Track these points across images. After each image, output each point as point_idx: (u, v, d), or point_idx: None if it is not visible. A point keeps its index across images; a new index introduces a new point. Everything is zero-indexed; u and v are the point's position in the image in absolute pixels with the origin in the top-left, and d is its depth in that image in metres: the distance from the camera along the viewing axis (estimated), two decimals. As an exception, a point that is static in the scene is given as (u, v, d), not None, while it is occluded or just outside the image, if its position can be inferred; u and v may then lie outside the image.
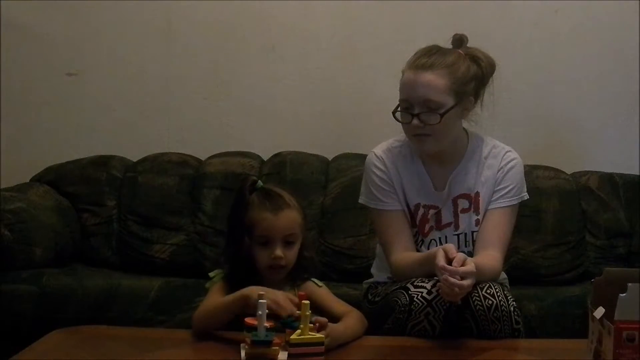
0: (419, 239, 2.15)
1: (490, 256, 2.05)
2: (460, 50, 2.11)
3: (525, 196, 2.18)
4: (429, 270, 1.92)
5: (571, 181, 2.93)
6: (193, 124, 3.17)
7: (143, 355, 1.76)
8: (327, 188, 2.89)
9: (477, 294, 1.91)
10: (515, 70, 2.96)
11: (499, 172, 2.14)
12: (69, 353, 1.76)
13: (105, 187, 2.92)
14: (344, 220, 2.82)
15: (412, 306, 1.89)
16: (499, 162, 2.15)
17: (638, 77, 3.08)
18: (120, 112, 3.16)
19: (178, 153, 3.04)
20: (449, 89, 2.04)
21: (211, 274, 2.00)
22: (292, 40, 3.15)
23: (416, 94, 2.04)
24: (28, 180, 2.96)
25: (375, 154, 2.18)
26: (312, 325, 1.72)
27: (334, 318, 1.90)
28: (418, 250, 2.14)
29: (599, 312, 1.55)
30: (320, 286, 2.01)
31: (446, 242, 2.12)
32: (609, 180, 2.95)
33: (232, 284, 1.92)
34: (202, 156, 3.03)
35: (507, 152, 2.17)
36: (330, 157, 3.02)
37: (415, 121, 2.04)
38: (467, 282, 1.81)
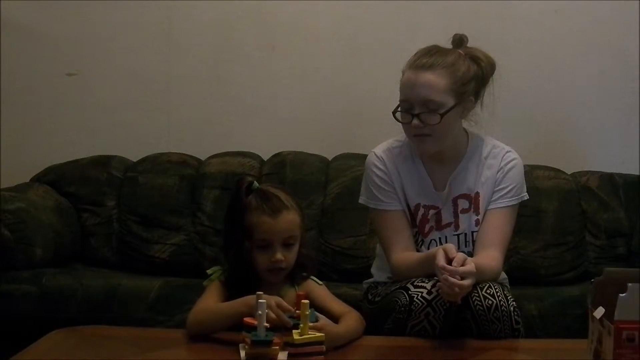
0: (419, 239, 2.15)
1: (490, 256, 2.05)
2: (460, 50, 2.11)
3: (525, 196, 2.18)
4: (429, 270, 1.91)
5: (571, 181, 2.93)
6: (193, 124, 3.17)
7: (143, 355, 1.76)
8: (327, 188, 2.89)
9: (477, 294, 1.91)
10: (515, 70, 2.96)
11: (499, 172, 2.14)
12: (69, 353, 1.76)
13: (105, 187, 2.92)
14: (344, 220, 2.82)
15: (412, 306, 1.89)
16: (499, 162, 2.15)
17: (638, 77, 3.08)
18: (120, 112, 3.16)
19: (178, 153, 3.04)
20: (449, 89, 2.04)
21: (209, 271, 2.00)
22: (292, 40, 3.15)
23: (416, 94, 2.04)
24: (28, 180, 2.96)
25: (375, 154, 2.18)
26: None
27: (332, 317, 1.91)
28: (418, 251, 2.14)
29: (599, 312, 1.55)
30: (319, 284, 2.01)
31: (446, 243, 2.12)
32: (609, 180, 2.95)
33: (231, 285, 1.91)
34: (202, 156, 3.03)
35: (507, 152, 2.17)
36: (330, 157, 3.02)
37: (415, 121, 2.04)
38: (467, 282, 1.81)
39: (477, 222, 2.14)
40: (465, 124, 2.17)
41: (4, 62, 3.11)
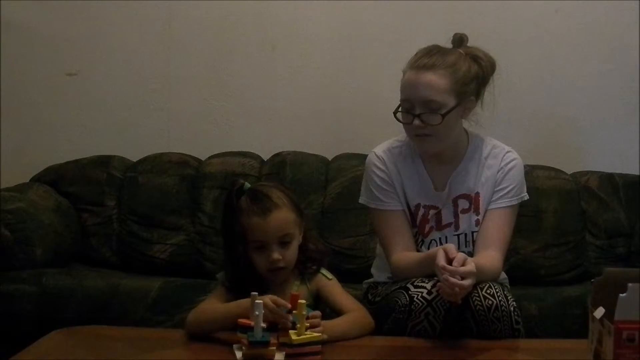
0: (419, 239, 2.15)
1: (490, 256, 2.05)
2: (460, 50, 2.11)
3: (525, 196, 2.18)
4: (428, 270, 1.91)
5: (571, 181, 2.93)
6: (193, 124, 3.17)
7: (143, 355, 1.76)
8: (327, 188, 2.89)
9: (477, 294, 1.91)
10: (515, 70, 2.96)
11: (499, 172, 2.14)
12: (69, 353, 1.76)
13: (105, 187, 2.92)
14: (344, 220, 2.82)
15: (412, 306, 1.89)
16: (499, 162, 2.15)
17: (638, 77, 3.08)
18: (120, 112, 3.16)
19: (178, 153, 3.04)
20: (450, 89, 2.03)
21: (218, 275, 2.00)
22: (292, 40, 3.15)
23: (417, 94, 2.03)
24: (28, 180, 2.97)
25: (375, 154, 2.18)
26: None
27: (341, 312, 1.90)
28: (418, 251, 2.13)
29: (599, 312, 1.55)
30: (330, 279, 2.00)
31: (446, 243, 2.12)
32: (609, 180, 2.95)
33: (236, 289, 1.91)
34: (202, 156, 3.03)
35: (507, 152, 2.17)
36: (330, 157, 3.02)
37: (416, 122, 2.04)
38: (467, 282, 1.81)
39: (477, 222, 2.13)
40: (465, 124, 2.17)
41: (4, 62, 3.11)
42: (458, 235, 2.14)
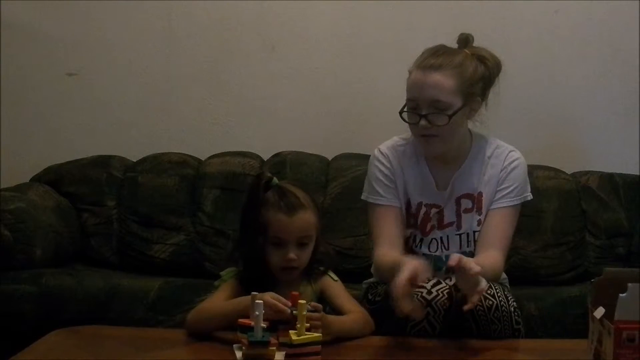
0: (417, 239, 2.15)
1: (491, 256, 2.04)
2: (466, 50, 2.10)
3: (529, 196, 2.17)
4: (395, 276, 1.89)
5: (571, 181, 2.93)
6: (193, 124, 3.17)
7: (143, 355, 1.76)
8: (327, 188, 2.89)
9: (477, 295, 1.92)
10: (516, 70, 2.95)
11: (502, 172, 2.14)
12: (69, 353, 1.76)
13: (105, 187, 2.93)
14: (344, 220, 2.82)
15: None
16: (502, 162, 2.15)
17: (638, 77, 3.08)
18: (120, 112, 3.16)
19: (178, 153, 3.04)
20: (457, 89, 2.03)
21: (222, 273, 1.99)
22: (292, 40, 3.15)
23: (424, 94, 2.03)
24: (28, 180, 2.97)
25: (380, 150, 2.19)
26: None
27: (342, 313, 1.91)
28: (416, 251, 2.13)
29: (599, 312, 1.55)
30: (335, 280, 2.00)
31: (448, 242, 2.13)
32: (609, 180, 2.96)
33: (245, 282, 1.91)
34: (202, 156, 3.03)
35: (510, 152, 2.17)
36: (330, 157, 3.02)
37: (422, 122, 2.04)
38: (482, 285, 1.80)
39: (480, 222, 2.13)
40: (469, 124, 2.17)
41: (4, 62, 3.11)
42: (460, 234, 2.14)
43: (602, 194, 2.92)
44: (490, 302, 1.90)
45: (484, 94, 2.11)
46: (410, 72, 2.09)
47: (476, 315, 1.91)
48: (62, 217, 2.79)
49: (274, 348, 1.67)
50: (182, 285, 2.53)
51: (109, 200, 2.92)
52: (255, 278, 1.89)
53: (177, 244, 2.85)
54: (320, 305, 1.78)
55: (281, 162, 2.94)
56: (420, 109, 2.04)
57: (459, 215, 2.14)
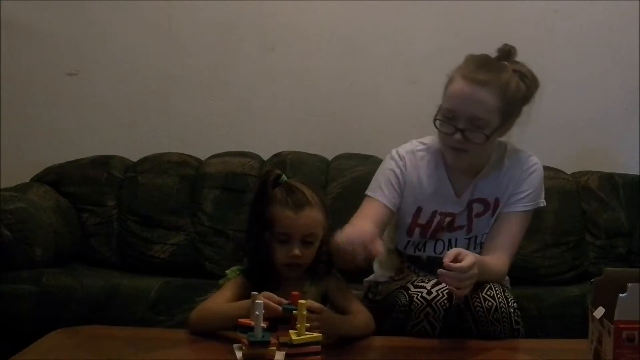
0: (421, 243, 2.13)
1: (496, 258, 2.04)
2: (509, 65, 2.03)
3: (542, 203, 2.15)
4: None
5: (571, 181, 2.94)
6: (193, 124, 3.17)
7: (143, 355, 1.76)
8: (327, 188, 2.89)
9: (477, 296, 1.91)
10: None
11: (520, 177, 2.11)
12: (69, 353, 1.76)
13: (105, 187, 2.93)
14: (344, 221, 2.78)
15: (412, 306, 1.89)
16: (521, 167, 2.11)
17: (638, 77, 3.08)
18: (120, 112, 3.16)
19: (178, 153, 3.04)
20: (498, 109, 1.98)
21: (227, 271, 1.99)
22: (292, 40, 3.15)
23: (466, 109, 1.97)
24: (28, 180, 2.96)
25: (398, 153, 2.14)
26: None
27: (345, 313, 1.90)
28: (421, 252, 2.12)
29: (599, 312, 1.55)
30: (340, 280, 2.00)
31: (455, 244, 2.10)
32: (609, 180, 2.96)
33: (251, 278, 1.91)
34: (202, 156, 3.03)
35: (529, 157, 2.14)
36: (330, 157, 3.02)
37: (458, 136, 1.98)
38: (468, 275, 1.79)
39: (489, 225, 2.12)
40: None
41: (4, 62, 3.11)
42: (469, 238, 2.13)
43: (602, 194, 2.92)
44: (490, 304, 1.90)
45: (519, 113, 2.07)
46: (451, 79, 2.02)
47: (476, 316, 1.91)
48: (62, 217, 2.79)
49: (274, 348, 1.67)
50: (182, 285, 2.53)
51: (109, 200, 2.92)
52: (260, 275, 1.90)
53: (177, 244, 2.85)
54: (318, 305, 1.78)
55: (281, 162, 2.94)
56: (457, 122, 1.98)
57: (470, 220, 2.11)
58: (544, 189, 2.16)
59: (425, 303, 1.89)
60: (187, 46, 3.16)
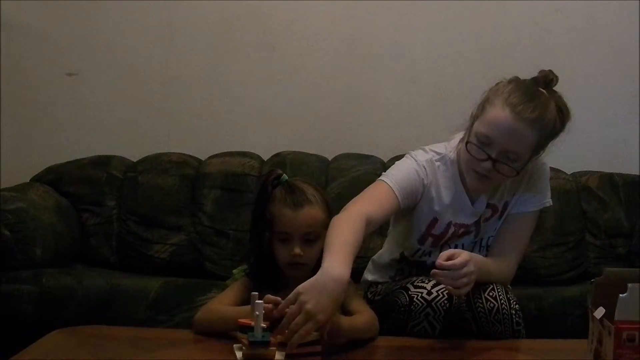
0: (428, 250, 2.12)
1: (502, 260, 2.04)
2: (550, 97, 1.97)
3: (548, 203, 2.13)
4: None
5: (571, 181, 2.94)
6: (193, 124, 3.17)
7: (143, 355, 1.76)
8: (327, 188, 2.88)
9: (479, 297, 1.91)
10: (516, 70, 2.94)
11: (528, 178, 2.09)
12: (69, 353, 1.76)
13: (105, 187, 2.93)
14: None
15: (412, 306, 1.89)
16: (530, 168, 2.08)
17: (638, 77, 3.08)
18: (120, 112, 3.16)
19: (178, 153, 3.04)
20: (534, 145, 1.94)
21: (234, 271, 1.99)
22: (292, 40, 3.15)
23: (505, 142, 1.90)
24: (28, 180, 2.96)
25: (416, 162, 2.05)
26: None
27: (351, 314, 1.90)
28: (427, 257, 2.12)
29: (599, 312, 1.55)
30: None
31: (462, 248, 2.06)
32: (609, 180, 2.96)
33: (255, 278, 1.91)
34: (202, 156, 3.03)
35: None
36: (330, 157, 3.02)
37: (488, 165, 1.92)
38: (464, 276, 1.79)
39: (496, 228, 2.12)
40: None
41: (4, 62, 3.11)
42: (475, 241, 2.12)
43: (602, 194, 2.92)
44: (492, 304, 1.90)
45: (546, 147, 2.01)
46: (491, 102, 1.94)
47: (477, 316, 1.91)
48: (62, 217, 2.79)
49: (274, 348, 1.67)
50: (182, 285, 2.53)
51: (109, 200, 2.91)
52: (265, 275, 1.90)
53: (177, 244, 2.85)
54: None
55: (281, 162, 2.94)
56: (491, 150, 1.92)
57: (478, 224, 2.10)
58: (549, 190, 2.15)
59: (425, 303, 1.89)
60: (187, 46, 3.16)
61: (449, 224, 2.08)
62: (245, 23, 3.14)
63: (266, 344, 1.65)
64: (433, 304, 1.88)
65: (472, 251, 2.06)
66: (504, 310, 1.90)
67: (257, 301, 1.66)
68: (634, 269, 1.69)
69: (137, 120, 3.16)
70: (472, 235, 2.11)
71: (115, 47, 3.16)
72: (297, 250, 1.88)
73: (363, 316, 1.90)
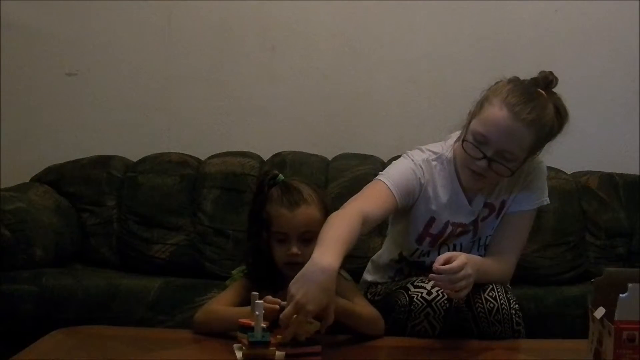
0: (425, 250, 2.12)
1: (500, 259, 2.03)
2: (548, 98, 1.97)
3: (546, 201, 2.13)
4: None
5: (571, 181, 2.94)
6: (193, 124, 3.17)
7: (143, 355, 1.76)
8: (327, 188, 2.88)
9: (479, 297, 1.92)
10: (515, 70, 2.94)
11: (525, 176, 2.09)
12: (69, 353, 1.76)
13: (105, 187, 2.93)
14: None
15: (412, 307, 1.89)
16: (526, 166, 2.07)
17: (638, 77, 3.08)
18: (120, 112, 3.16)
19: (178, 153, 3.04)
20: (530, 146, 1.94)
21: (234, 272, 1.99)
22: (292, 40, 3.15)
23: (502, 141, 1.90)
24: (28, 180, 2.96)
25: (413, 161, 2.04)
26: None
27: None
28: (425, 258, 2.11)
29: (599, 312, 1.55)
30: (347, 280, 1.99)
31: (460, 248, 2.08)
32: (609, 180, 2.96)
33: (254, 279, 1.91)
34: (202, 156, 3.03)
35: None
36: (330, 157, 3.02)
37: (484, 163, 1.93)
38: (461, 278, 1.79)
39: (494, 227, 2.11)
40: None
41: (4, 62, 3.11)
42: (473, 241, 2.12)
43: (602, 194, 2.92)
44: (492, 305, 1.90)
45: (542, 149, 2.02)
46: (489, 101, 1.94)
47: (477, 316, 1.91)
48: (62, 217, 2.79)
49: (274, 348, 1.67)
50: (182, 285, 2.53)
51: (109, 200, 2.91)
52: (263, 275, 1.90)
53: (177, 244, 2.85)
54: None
55: (281, 162, 2.94)
56: (486, 149, 1.92)
57: (475, 223, 2.10)
58: (547, 188, 2.15)
59: (425, 303, 1.89)
60: (187, 46, 3.16)
61: (446, 223, 2.07)
62: (245, 23, 3.14)
63: (266, 344, 1.65)
64: (433, 304, 1.88)
65: (470, 251, 2.08)
66: (504, 310, 1.90)
67: (257, 301, 1.66)
68: (634, 269, 1.70)
69: (137, 120, 3.16)
70: (470, 235, 2.11)
71: (115, 47, 3.15)
72: (295, 249, 1.88)
73: (365, 308, 1.90)
